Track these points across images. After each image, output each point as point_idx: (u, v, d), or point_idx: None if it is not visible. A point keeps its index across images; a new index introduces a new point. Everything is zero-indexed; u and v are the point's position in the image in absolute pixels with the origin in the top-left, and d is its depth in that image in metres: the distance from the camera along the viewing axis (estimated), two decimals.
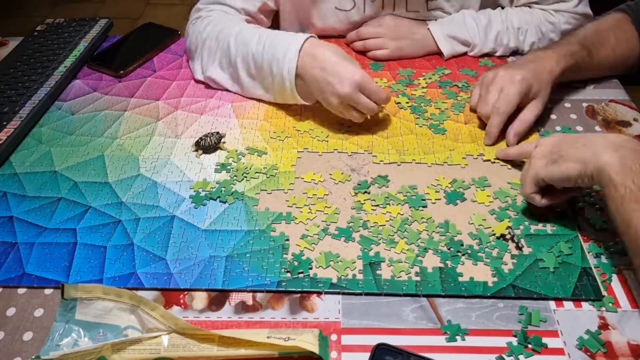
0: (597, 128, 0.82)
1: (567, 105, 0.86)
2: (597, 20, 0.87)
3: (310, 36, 0.79)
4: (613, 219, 0.57)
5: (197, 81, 0.92)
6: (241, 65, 0.84)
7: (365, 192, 0.72)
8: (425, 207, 0.70)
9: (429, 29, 0.94)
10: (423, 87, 0.90)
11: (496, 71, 0.79)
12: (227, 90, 0.89)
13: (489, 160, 0.76)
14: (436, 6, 0.95)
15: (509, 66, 0.80)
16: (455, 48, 0.95)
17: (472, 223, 0.67)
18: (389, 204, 0.70)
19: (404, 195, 0.71)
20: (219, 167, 0.76)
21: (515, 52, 0.96)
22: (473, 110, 0.84)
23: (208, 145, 0.79)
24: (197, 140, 0.80)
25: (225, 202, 0.71)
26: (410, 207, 0.69)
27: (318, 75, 0.76)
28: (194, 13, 0.94)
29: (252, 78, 0.85)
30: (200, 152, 0.78)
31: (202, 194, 0.72)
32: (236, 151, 0.78)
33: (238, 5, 0.92)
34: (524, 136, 0.79)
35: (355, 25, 0.99)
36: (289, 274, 0.62)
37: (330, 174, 0.74)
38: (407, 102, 0.86)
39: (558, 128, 0.81)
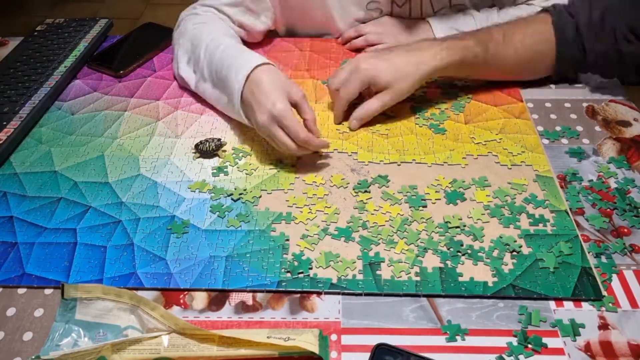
0: (597, 128, 0.82)
1: (567, 105, 0.86)
2: (521, 18, 0.85)
3: (267, 63, 0.76)
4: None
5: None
6: (207, 73, 0.83)
7: (365, 191, 0.72)
8: (425, 207, 0.70)
9: (428, 22, 0.94)
10: (423, 87, 0.90)
11: (358, 56, 0.80)
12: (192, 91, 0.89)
13: (488, 164, 0.76)
14: (458, 1, 0.94)
15: (378, 52, 0.82)
16: None
17: (470, 221, 0.67)
18: (388, 203, 0.70)
19: (404, 195, 0.71)
20: (215, 170, 0.76)
21: None
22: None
23: (207, 150, 0.79)
24: (197, 144, 0.80)
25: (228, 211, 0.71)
26: (410, 207, 0.69)
27: (248, 98, 0.73)
28: (192, 9, 0.94)
29: (213, 87, 0.82)
30: (197, 155, 0.78)
31: (216, 202, 0.72)
32: (234, 158, 0.78)
33: (235, 19, 0.93)
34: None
35: None
36: (289, 274, 0.62)
37: (330, 177, 0.74)
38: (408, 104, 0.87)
39: (558, 128, 0.81)
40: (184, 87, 0.90)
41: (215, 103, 0.84)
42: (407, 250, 0.64)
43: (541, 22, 0.83)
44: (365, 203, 0.70)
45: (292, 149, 0.72)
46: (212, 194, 0.72)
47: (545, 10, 0.85)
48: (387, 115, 0.84)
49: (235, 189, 0.73)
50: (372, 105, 0.79)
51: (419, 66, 0.77)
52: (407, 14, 0.97)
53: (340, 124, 0.83)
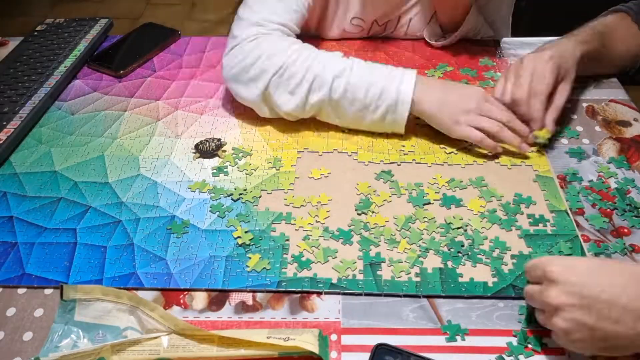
0: (597, 128, 0.81)
1: (567, 105, 0.86)
2: (597, 20, 0.87)
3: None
4: None
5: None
6: (334, 93, 0.76)
7: (369, 187, 0.72)
8: (430, 203, 0.69)
9: None
10: None
11: (521, 58, 0.77)
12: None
13: (488, 164, 0.76)
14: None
15: (533, 52, 0.78)
16: None
17: (469, 225, 0.67)
18: (395, 196, 0.70)
19: (409, 192, 0.71)
20: (215, 170, 0.76)
21: None
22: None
23: (206, 150, 0.79)
24: (197, 144, 0.80)
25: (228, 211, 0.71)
26: (414, 206, 0.69)
27: (441, 96, 0.75)
28: (238, 37, 0.79)
29: (342, 106, 0.77)
30: (197, 155, 0.78)
31: (216, 202, 0.72)
32: (234, 158, 0.78)
33: (284, 20, 0.82)
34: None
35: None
36: (289, 274, 0.62)
37: (357, 185, 0.73)
38: None
39: (558, 128, 0.81)
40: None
41: (355, 122, 0.79)
42: (408, 250, 0.64)
43: (625, 19, 0.85)
44: (371, 201, 0.70)
45: (506, 118, 0.75)
46: (212, 194, 0.72)
47: (615, 10, 0.86)
48: None
49: (235, 189, 0.73)
50: (563, 98, 0.77)
51: (574, 57, 0.76)
52: (383, 31, 0.99)
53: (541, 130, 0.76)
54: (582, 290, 0.48)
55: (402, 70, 0.76)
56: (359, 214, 0.69)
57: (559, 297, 0.49)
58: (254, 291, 0.61)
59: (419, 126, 0.82)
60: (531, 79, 0.74)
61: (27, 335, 0.58)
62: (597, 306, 0.48)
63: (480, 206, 0.69)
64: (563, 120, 0.82)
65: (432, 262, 0.63)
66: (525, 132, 0.76)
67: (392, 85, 0.75)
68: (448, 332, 0.56)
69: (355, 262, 0.63)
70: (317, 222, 0.68)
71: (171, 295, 0.61)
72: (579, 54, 0.77)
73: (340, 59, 0.77)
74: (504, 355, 0.54)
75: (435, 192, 0.71)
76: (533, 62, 0.75)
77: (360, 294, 0.60)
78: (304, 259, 0.64)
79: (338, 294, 0.61)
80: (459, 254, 0.63)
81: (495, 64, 0.94)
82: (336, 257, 0.64)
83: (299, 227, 0.67)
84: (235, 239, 0.66)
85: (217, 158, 0.78)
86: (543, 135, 0.75)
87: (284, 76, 0.75)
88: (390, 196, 0.71)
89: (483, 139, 0.75)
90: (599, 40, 0.81)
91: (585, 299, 0.48)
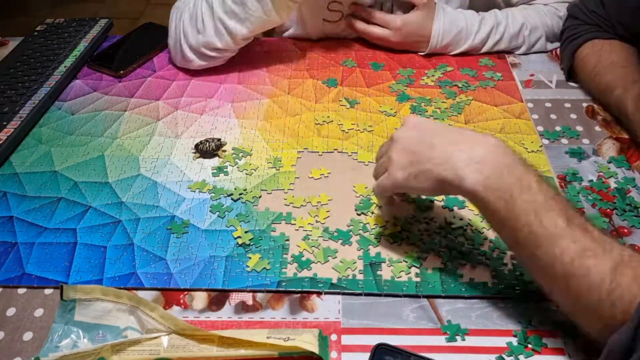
0: (597, 128, 0.81)
1: (567, 105, 0.86)
2: None
3: None
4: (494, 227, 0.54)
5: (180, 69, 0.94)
6: (219, 8, 0.84)
7: (366, 188, 0.72)
8: (432, 202, 0.69)
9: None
10: (429, 85, 0.90)
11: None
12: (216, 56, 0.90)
13: None
14: None
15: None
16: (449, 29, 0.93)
17: (469, 225, 0.67)
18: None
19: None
20: (215, 170, 0.76)
21: (512, 50, 0.96)
22: None
23: (206, 150, 0.79)
24: (197, 144, 0.80)
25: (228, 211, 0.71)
26: (415, 207, 0.69)
27: None
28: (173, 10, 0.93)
29: (230, 15, 0.84)
30: (197, 155, 0.78)
31: (216, 202, 0.72)
32: (234, 158, 0.78)
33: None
34: None
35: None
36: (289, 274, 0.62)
37: (354, 186, 0.73)
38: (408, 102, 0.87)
39: (558, 128, 0.81)
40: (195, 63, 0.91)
41: (235, 28, 0.85)
42: (408, 250, 0.64)
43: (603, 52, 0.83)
44: (370, 202, 0.70)
45: None
46: (212, 194, 0.72)
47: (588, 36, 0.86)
48: (387, 115, 0.84)
49: (235, 189, 0.73)
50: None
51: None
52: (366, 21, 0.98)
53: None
54: (420, 131, 0.57)
55: None
56: (359, 214, 0.69)
57: (400, 132, 0.59)
58: (254, 291, 0.61)
59: None
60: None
61: (27, 335, 0.58)
62: (425, 139, 0.56)
63: None
64: (585, 122, 0.82)
65: (432, 262, 0.63)
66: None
67: None
68: (448, 332, 0.56)
69: (355, 262, 0.63)
70: (317, 222, 0.68)
71: (171, 295, 0.61)
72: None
73: None
74: (504, 355, 0.54)
75: None
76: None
77: (360, 294, 0.60)
78: (304, 259, 0.64)
79: (338, 294, 0.61)
80: (459, 255, 0.63)
81: (495, 64, 0.94)
82: (336, 257, 0.64)
83: (299, 227, 0.67)
84: (235, 239, 0.66)
85: (217, 158, 0.78)
86: None
87: (185, 21, 0.88)
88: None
89: None
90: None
91: (419, 135, 0.57)
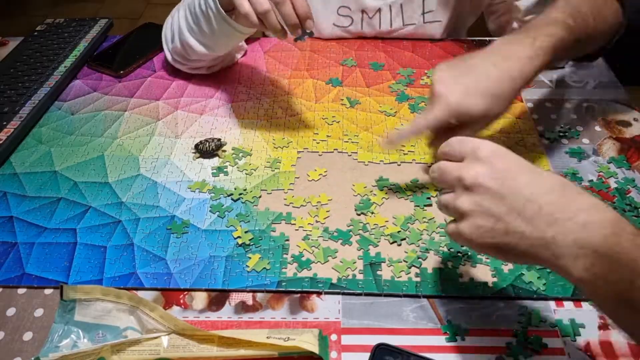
0: (597, 128, 0.81)
1: (568, 105, 0.86)
2: None
3: None
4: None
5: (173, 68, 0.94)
6: (183, 22, 0.83)
7: (364, 187, 0.72)
8: (430, 205, 0.69)
9: None
10: (429, 85, 0.89)
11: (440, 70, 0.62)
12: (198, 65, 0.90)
13: None
14: (432, 18, 0.97)
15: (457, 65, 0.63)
16: None
17: None
18: (395, 196, 0.70)
19: (411, 192, 0.71)
20: (215, 170, 0.76)
21: None
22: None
23: (206, 150, 0.79)
24: (197, 144, 0.80)
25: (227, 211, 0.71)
26: (415, 207, 0.69)
27: None
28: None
29: (194, 31, 0.82)
30: (197, 155, 0.78)
31: (216, 202, 0.72)
32: (234, 158, 0.78)
33: None
34: None
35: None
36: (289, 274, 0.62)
37: (353, 186, 0.73)
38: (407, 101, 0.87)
39: (558, 128, 0.81)
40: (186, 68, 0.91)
41: (203, 38, 0.81)
42: (408, 250, 0.64)
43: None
44: (370, 202, 0.70)
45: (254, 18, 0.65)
46: (212, 194, 0.72)
47: None
48: (387, 115, 0.84)
49: (235, 189, 0.73)
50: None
51: (521, 78, 0.60)
52: (377, 26, 0.98)
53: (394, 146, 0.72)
54: (505, 177, 0.44)
55: None
56: (359, 214, 0.69)
57: (480, 177, 0.45)
58: (254, 291, 0.61)
59: None
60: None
61: (27, 335, 0.58)
62: (513, 198, 0.43)
63: None
64: (585, 122, 0.82)
65: (432, 262, 0.63)
66: (294, 20, 0.65)
67: None
68: (448, 332, 0.56)
69: (355, 262, 0.63)
70: (317, 222, 0.68)
71: (171, 295, 0.61)
72: (531, 71, 0.60)
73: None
74: (504, 355, 0.54)
75: (436, 190, 0.71)
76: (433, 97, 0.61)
77: (360, 294, 0.60)
78: (304, 259, 0.64)
79: (338, 294, 0.61)
80: (459, 254, 0.63)
81: None
82: (336, 257, 0.64)
83: (299, 226, 0.67)
84: (235, 239, 0.66)
85: (217, 158, 0.78)
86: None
87: (166, 29, 0.89)
88: (386, 193, 0.71)
89: (249, 13, 0.65)
90: (579, 22, 0.64)
91: (504, 187, 0.44)
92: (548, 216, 0.43)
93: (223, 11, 0.74)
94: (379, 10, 0.96)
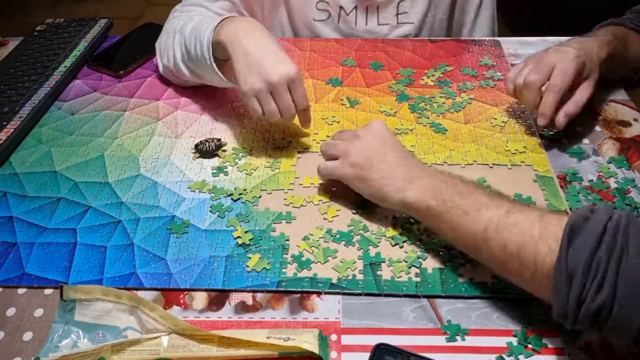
0: (597, 128, 0.81)
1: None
2: (603, 26, 0.84)
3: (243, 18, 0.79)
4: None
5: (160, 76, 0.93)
6: (178, 51, 0.82)
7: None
8: None
9: None
10: (429, 85, 0.90)
11: (545, 50, 0.76)
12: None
13: (488, 164, 0.76)
14: (405, 19, 0.99)
15: (558, 46, 0.77)
16: None
17: None
18: None
19: None
20: (215, 170, 0.76)
21: None
22: (511, 90, 0.77)
23: (206, 150, 0.79)
24: (197, 144, 0.80)
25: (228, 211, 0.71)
26: None
27: (250, 50, 0.70)
28: (171, 13, 0.92)
29: (186, 62, 0.82)
30: (197, 155, 0.78)
31: (216, 202, 0.72)
32: (234, 158, 0.78)
33: (214, 9, 0.91)
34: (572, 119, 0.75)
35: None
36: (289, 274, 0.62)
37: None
38: (407, 101, 0.87)
39: (580, 128, 0.81)
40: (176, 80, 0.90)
41: (194, 76, 0.83)
42: (408, 250, 0.64)
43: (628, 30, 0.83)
44: (369, 203, 0.70)
45: (292, 112, 0.73)
46: (212, 194, 0.72)
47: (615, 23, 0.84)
48: (387, 115, 0.84)
49: (235, 189, 0.73)
50: (585, 94, 0.74)
51: (599, 57, 0.75)
52: (352, 23, 1.00)
53: (546, 125, 0.75)
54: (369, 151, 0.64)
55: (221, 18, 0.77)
56: (360, 214, 0.69)
57: (354, 142, 0.66)
58: (254, 291, 0.61)
59: (420, 126, 0.82)
60: (551, 71, 0.73)
61: (27, 335, 0.58)
62: (382, 148, 0.65)
63: None
64: (584, 122, 0.82)
65: (432, 262, 0.63)
66: (305, 128, 0.79)
67: (205, 27, 0.76)
68: (448, 332, 0.56)
69: (355, 262, 0.63)
70: (325, 219, 0.68)
71: (171, 295, 0.61)
72: (604, 54, 0.76)
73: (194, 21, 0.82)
74: (504, 355, 0.54)
75: None
76: (557, 56, 0.73)
77: (360, 294, 0.60)
78: (303, 259, 0.64)
79: (338, 294, 0.61)
80: (459, 254, 0.63)
81: (495, 64, 0.94)
82: (336, 257, 0.64)
83: (300, 227, 0.67)
84: (235, 239, 0.66)
85: (217, 158, 0.78)
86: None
87: (161, 44, 0.87)
88: None
89: (259, 115, 0.72)
90: (620, 41, 0.80)
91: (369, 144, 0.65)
92: (398, 162, 0.64)
93: (215, 66, 0.75)
94: (356, 7, 0.98)
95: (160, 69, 0.90)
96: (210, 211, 0.70)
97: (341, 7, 0.98)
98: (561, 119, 0.74)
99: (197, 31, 0.77)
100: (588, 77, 0.74)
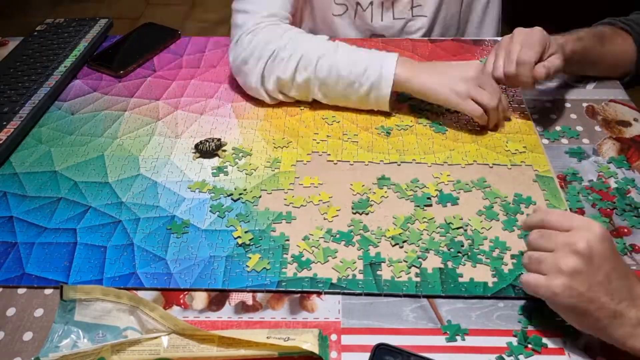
0: (597, 128, 0.81)
1: (567, 105, 0.86)
2: (593, 27, 0.86)
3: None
4: None
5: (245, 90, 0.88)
6: (323, 74, 0.80)
7: (363, 187, 0.72)
8: (430, 205, 0.69)
9: None
10: None
11: (511, 35, 0.77)
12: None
13: (488, 164, 0.76)
14: (419, 12, 1.00)
15: (520, 28, 0.78)
16: None
17: (468, 225, 0.67)
18: (396, 196, 0.70)
19: (412, 192, 0.71)
20: (215, 170, 0.76)
21: None
22: (501, 75, 0.77)
23: (206, 150, 0.79)
24: (197, 144, 0.80)
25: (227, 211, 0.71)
26: (415, 207, 0.69)
27: (437, 70, 0.79)
28: (239, 29, 0.85)
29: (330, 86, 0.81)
30: (197, 155, 0.78)
31: (216, 202, 0.72)
32: (234, 158, 0.78)
33: (275, 11, 0.87)
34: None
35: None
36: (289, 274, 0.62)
37: (351, 185, 0.73)
38: (408, 101, 0.86)
39: (558, 128, 0.81)
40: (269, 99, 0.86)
41: (342, 100, 0.83)
42: (409, 250, 0.64)
43: (618, 30, 0.85)
44: (369, 203, 0.70)
45: (498, 95, 0.77)
46: (212, 194, 0.72)
47: (607, 23, 0.87)
48: (387, 115, 0.84)
49: (235, 189, 0.73)
50: (554, 62, 0.74)
51: (562, 48, 0.76)
52: (368, 19, 1.00)
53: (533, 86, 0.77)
54: (604, 255, 0.50)
55: (385, 52, 0.80)
56: (360, 214, 0.69)
57: (591, 243, 0.50)
58: (254, 291, 0.61)
59: (420, 125, 0.82)
60: (520, 49, 0.74)
61: (27, 335, 0.58)
62: (605, 272, 0.50)
63: (484, 206, 0.69)
64: (585, 122, 0.83)
65: (432, 262, 0.63)
66: (507, 114, 0.82)
67: (375, 62, 0.79)
68: (448, 332, 0.56)
69: (355, 262, 0.63)
70: (325, 219, 0.68)
71: (171, 295, 0.61)
72: (568, 50, 0.77)
73: (325, 42, 0.83)
74: (504, 355, 0.54)
75: (436, 190, 0.71)
76: (523, 34, 0.75)
77: (360, 294, 0.60)
78: (304, 259, 0.64)
79: (338, 293, 0.61)
80: (459, 254, 0.63)
81: None
82: (336, 257, 0.64)
83: (300, 227, 0.67)
84: (235, 238, 0.66)
85: (217, 158, 0.78)
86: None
87: (275, 61, 0.81)
88: (386, 191, 0.71)
89: (482, 114, 0.77)
90: (594, 39, 0.81)
91: (603, 263, 0.50)
92: (624, 293, 0.50)
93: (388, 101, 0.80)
94: (371, 3, 0.98)
95: (259, 85, 0.84)
96: (210, 211, 0.70)
97: (358, 3, 0.99)
98: (540, 69, 0.74)
99: (355, 75, 0.79)
100: (554, 54, 0.75)
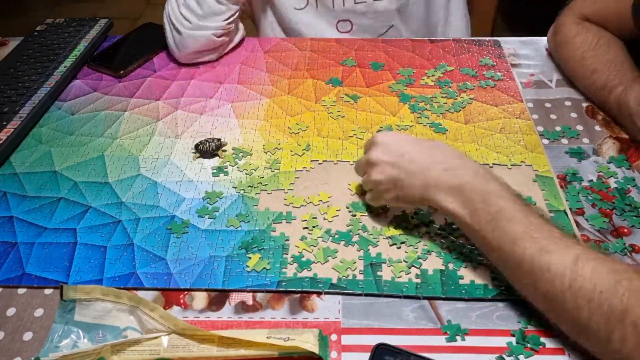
0: (597, 128, 0.81)
1: (567, 104, 0.86)
2: None
3: None
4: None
5: None
6: None
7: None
8: (430, 206, 0.69)
9: None
10: (429, 85, 0.90)
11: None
12: None
13: (488, 164, 0.76)
14: None
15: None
16: None
17: None
18: None
19: None
20: (215, 170, 0.76)
21: None
22: None
23: (206, 150, 0.79)
24: (197, 144, 0.80)
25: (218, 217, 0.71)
26: (415, 207, 0.69)
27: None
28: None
29: None
30: (197, 155, 0.78)
31: (210, 207, 0.72)
32: (234, 158, 0.78)
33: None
34: None
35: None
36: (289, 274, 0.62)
37: (349, 184, 0.73)
38: (408, 101, 0.87)
39: (558, 128, 0.81)
40: None
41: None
42: (409, 250, 0.64)
43: None
44: (368, 205, 0.70)
45: None
46: (208, 199, 0.72)
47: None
48: (387, 115, 0.84)
49: (234, 188, 0.73)
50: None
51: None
52: (330, 5, 1.01)
53: None
54: (394, 150, 0.62)
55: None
56: (359, 214, 0.69)
57: (378, 154, 0.62)
58: (254, 291, 0.61)
59: (420, 126, 0.82)
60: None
61: (27, 335, 0.58)
62: (401, 162, 0.61)
63: None
64: (585, 121, 0.82)
65: (433, 263, 0.63)
66: None
67: None
68: (448, 332, 0.56)
69: (355, 263, 0.63)
70: (324, 219, 0.68)
71: (171, 295, 0.61)
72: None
73: None
74: (504, 355, 0.54)
75: None
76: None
77: (360, 294, 0.60)
78: (304, 259, 0.64)
79: (338, 294, 0.61)
80: (460, 256, 0.63)
81: (495, 64, 0.94)
82: (336, 257, 0.64)
83: (305, 224, 0.67)
84: (236, 242, 0.66)
85: (217, 158, 0.78)
86: None
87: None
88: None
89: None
90: None
91: (395, 157, 0.61)
92: (425, 170, 0.60)
93: None
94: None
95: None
96: (208, 218, 0.70)
97: None
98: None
99: None
100: None
